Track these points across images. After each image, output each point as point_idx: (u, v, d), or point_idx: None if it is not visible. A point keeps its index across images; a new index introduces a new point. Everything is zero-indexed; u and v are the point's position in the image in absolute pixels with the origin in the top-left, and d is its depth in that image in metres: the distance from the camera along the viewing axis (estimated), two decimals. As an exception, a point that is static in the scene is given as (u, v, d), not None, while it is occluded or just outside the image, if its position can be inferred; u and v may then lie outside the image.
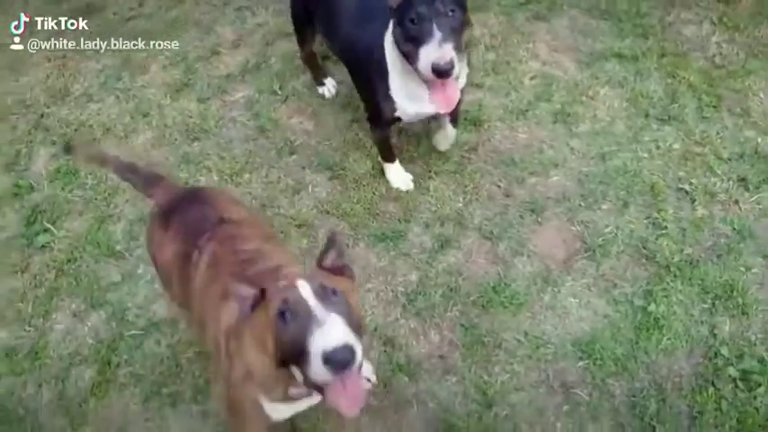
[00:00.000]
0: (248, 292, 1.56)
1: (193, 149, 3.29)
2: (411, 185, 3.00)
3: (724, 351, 2.40)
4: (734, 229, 2.75)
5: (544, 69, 3.51)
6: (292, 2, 3.13)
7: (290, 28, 3.78)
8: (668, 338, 2.43)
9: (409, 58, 2.28)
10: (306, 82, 3.55)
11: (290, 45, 3.75)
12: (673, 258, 2.65)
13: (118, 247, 2.91)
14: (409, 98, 2.54)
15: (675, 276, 2.60)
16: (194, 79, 3.67)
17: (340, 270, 1.66)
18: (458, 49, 2.18)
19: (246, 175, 3.12)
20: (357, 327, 1.48)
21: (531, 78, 3.46)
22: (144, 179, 2.25)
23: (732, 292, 2.55)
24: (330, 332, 1.38)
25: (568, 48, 3.62)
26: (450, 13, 2.18)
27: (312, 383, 1.47)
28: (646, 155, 3.03)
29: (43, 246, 2.95)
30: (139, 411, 2.42)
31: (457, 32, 2.20)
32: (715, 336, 2.45)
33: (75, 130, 3.46)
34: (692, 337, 2.44)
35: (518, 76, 3.47)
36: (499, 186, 2.98)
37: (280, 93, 3.51)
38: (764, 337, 2.45)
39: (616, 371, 2.38)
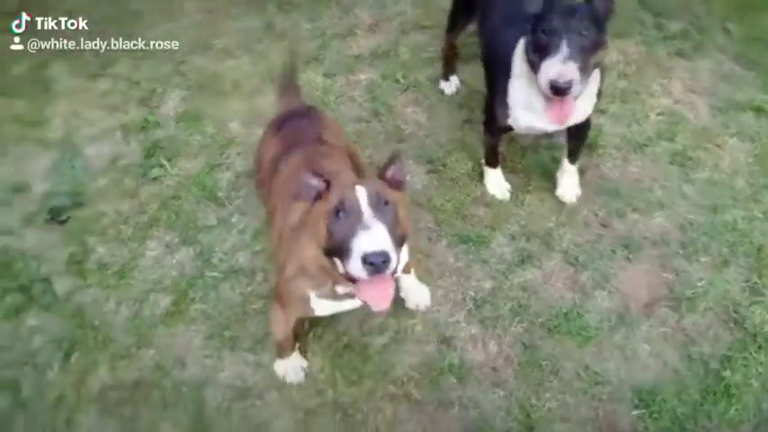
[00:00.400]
0: (316, 183, 1.79)
1: (310, 119, 3.39)
2: (507, 195, 2.97)
3: (795, 437, 2.23)
4: (840, 313, 2.54)
5: (674, 108, 3.37)
6: None
7: (427, 21, 3.89)
8: (736, 409, 2.28)
9: (534, 67, 2.25)
10: (429, 75, 3.58)
11: (423, 38, 3.82)
12: (763, 328, 2.48)
13: (219, 194, 3.05)
14: (524, 108, 2.50)
15: (761, 348, 2.43)
16: (325, 54, 3.79)
17: (397, 183, 1.85)
18: (583, 69, 2.13)
19: (351, 153, 3.18)
20: (399, 237, 1.70)
21: (659, 114, 3.33)
22: (288, 80, 2.75)
23: (821, 378, 2.36)
24: (372, 238, 1.59)
25: (705, 91, 3.45)
26: (585, 32, 2.14)
27: (350, 277, 1.69)
28: (761, 215, 2.85)
29: (155, 178, 3.14)
30: (200, 346, 2.55)
31: (586, 52, 2.15)
32: (789, 419, 2.28)
33: (208, 80, 3.65)
34: (763, 414, 2.27)
35: (645, 109, 3.35)
36: (597, 215, 2.89)
37: (402, 81, 3.56)
38: None
39: (671, 428, 2.26)
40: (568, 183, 2.95)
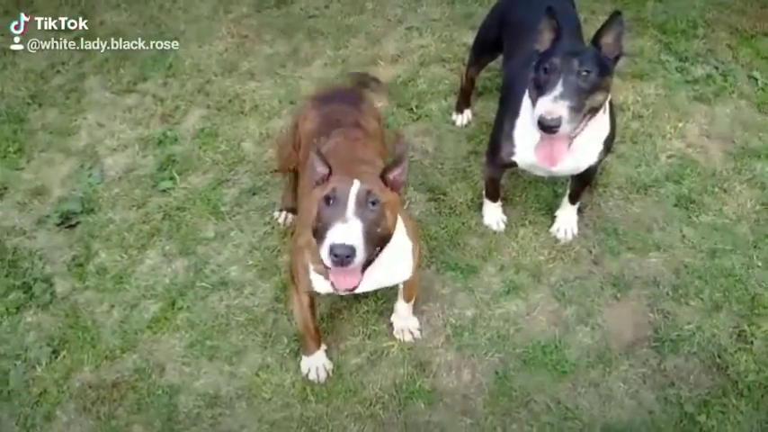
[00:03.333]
0: (321, 169, 1.94)
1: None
2: (502, 227, 2.97)
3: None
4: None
5: (686, 151, 3.32)
6: (486, 27, 3.18)
7: (449, 54, 3.94)
8: (708, 455, 2.22)
9: (533, 104, 2.27)
10: (442, 107, 3.62)
11: (442, 71, 3.86)
12: (746, 377, 2.41)
13: (222, 209, 3.14)
14: (530, 146, 2.50)
15: (742, 396, 2.36)
16: (346, 81, 3.87)
17: (398, 185, 1.96)
18: (575, 109, 2.12)
19: (355, 177, 3.23)
20: (379, 237, 1.82)
21: (669, 157, 3.28)
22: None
23: (804, 433, 2.27)
24: (345, 231, 1.70)
25: (721, 136, 3.39)
26: (584, 73, 2.13)
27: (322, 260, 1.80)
28: (760, 263, 2.78)
29: (164, 190, 3.25)
30: (181, 353, 2.62)
31: (582, 93, 2.14)
32: (765, 472, 2.20)
33: (230, 100, 3.78)
34: (735, 463, 2.21)
35: (655, 151, 3.31)
36: (590, 252, 2.87)
37: (415, 111, 3.61)
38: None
39: (639, 471, 2.21)
40: (565, 221, 2.94)
